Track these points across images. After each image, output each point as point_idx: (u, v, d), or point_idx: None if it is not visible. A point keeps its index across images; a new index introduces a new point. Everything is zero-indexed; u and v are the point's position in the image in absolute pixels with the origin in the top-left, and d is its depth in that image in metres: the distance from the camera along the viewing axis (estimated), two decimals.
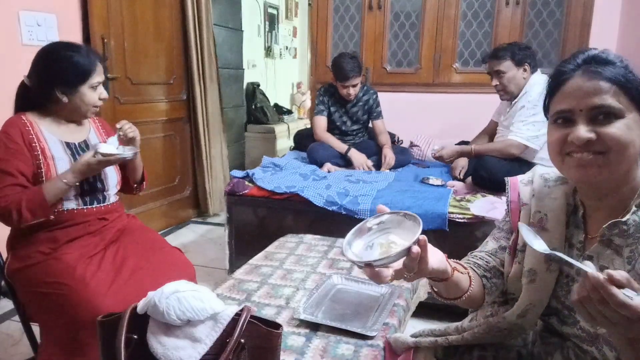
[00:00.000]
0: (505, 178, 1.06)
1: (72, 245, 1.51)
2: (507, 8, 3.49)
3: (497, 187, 2.34)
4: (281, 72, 5.80)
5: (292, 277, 1.58)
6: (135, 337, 0.95)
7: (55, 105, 1.53)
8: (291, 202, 2.38)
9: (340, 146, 2.96)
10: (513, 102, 2.52)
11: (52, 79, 1.49)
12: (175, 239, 3.31)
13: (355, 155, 2.90)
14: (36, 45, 2.38)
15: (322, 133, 3.02)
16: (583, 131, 0.81)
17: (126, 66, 3.03)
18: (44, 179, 1.47)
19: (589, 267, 0.67)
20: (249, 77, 4.85)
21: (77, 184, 1.50)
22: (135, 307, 0.97)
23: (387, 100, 3.21)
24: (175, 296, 0.94)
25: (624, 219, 0.80)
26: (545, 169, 1.02)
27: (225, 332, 0.94)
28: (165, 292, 0.94)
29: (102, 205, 1.62)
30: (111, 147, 1.52)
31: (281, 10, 5.72)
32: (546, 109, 0.91)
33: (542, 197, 0.96)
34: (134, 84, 3.11)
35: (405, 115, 3.67)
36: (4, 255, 1.58)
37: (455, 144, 3.04)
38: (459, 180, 2.60)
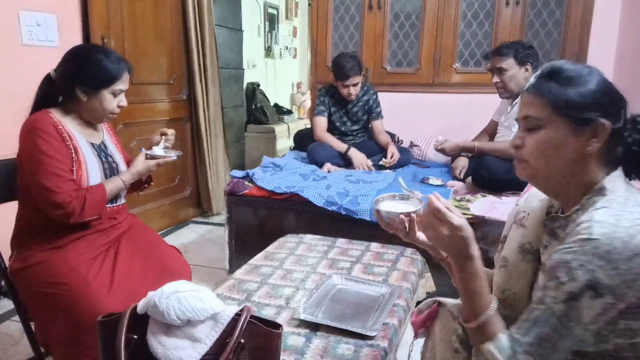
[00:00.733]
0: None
1: (77, 245, 1.52)
2: (507, 8, 3.49)
3: (497, 187, 2.34)
4: (281, 72, 5.80)
5: (292, 277, 1.58)
6: (135, 337, 0.95)
7: (75, 104, 1.54)
8: (291, 202, 2.38)
9: (340, 146, 2.96)
10: (514, 102, 2.52)
11: (77, 76, 1.50)
12: (176, 239, 3.31)
13: (355, 155, 2.90)
14: (36, 45, 2.40)
15: (322, 133, 3.03)
16: (514, 137, 0.95)
17: None
18: (75, 177, 1.48)
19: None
20: (249, 77, 4.85)
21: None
22: (135, 307, 0.97)
23: (387, 100, 3.21)
24: (175, 296, 0.94)
25: (563, 215, 0.90)
26: None
27: (225, 332, 0.94)
28: (165, 292, 0.95)
29: (114, 205, 1.64)
30: (161, 150, 1.71)
31: (281, 10, 5.72)
32: None
33: (532, 198, 1.05)
34: (134, 84, 3.09)
35: (405, 115, 3.67)
36: (5, 255, 1.58)
37: None
38: (459, 180, 2.61)
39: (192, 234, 3.44)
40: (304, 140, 3.27)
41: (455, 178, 2.67)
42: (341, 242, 1.91)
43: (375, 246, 1.87)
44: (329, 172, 2.75)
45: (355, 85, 2.91)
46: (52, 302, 1.41)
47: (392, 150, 2.93)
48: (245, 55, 4.65)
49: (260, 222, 2.47)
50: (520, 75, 2.42)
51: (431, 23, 3.65)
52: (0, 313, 2.26)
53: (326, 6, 3.83)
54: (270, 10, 5.38)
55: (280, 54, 5.74)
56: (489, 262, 1.27)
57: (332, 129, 3.09)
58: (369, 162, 2.88)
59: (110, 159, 1.64)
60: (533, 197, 1.05)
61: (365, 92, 3.07)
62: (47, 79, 1.56)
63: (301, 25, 6.15)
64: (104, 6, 2.80)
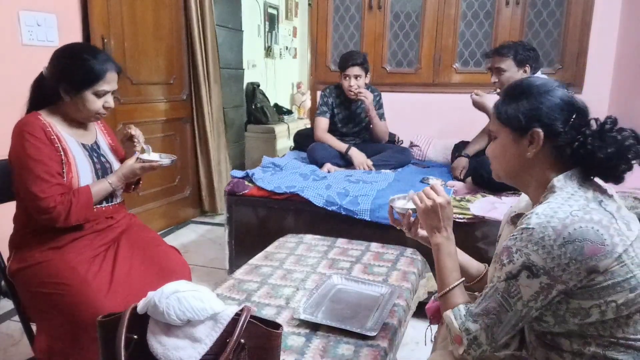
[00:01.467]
0: None
1: (76, 244, 1.52)
2: (507, 8, 3.49)
3: (497, 187, 2.34)
4: (281, 72, 5.80)
5: (292, 277, 1.58)
6: (135, 337, 0.95)
7: (62, 104, 1.53)
8: (291, 202, 2.38)
9: (340, 145, 2.95)
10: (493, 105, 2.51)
11: (60, 76, 1.49)
12: (175, 239, 3.31)
13: (356, 154, 2.90)
14: (36, 45, 2.40)
15: (322, 134, 3.02)
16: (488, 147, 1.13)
17: (126, 66, 3.02)
18: (65, 179, 1.48)
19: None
20: (249, 77, 4.85)
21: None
22: (135, 307, 0.97)
23: (387, 100, 3.21)
24: (175, 296, 0.94)
25: (526, 212, 0.98)
26: None
27: (225, 332, 0.94)
28: (165, 292, 0.94)
29: (110, 204, 1.63)
30: (153, 155, 1.64)
31: (281, 10, 5.72)
32: None
33: (522, 199, 1.17)
34: (134, 84, 3.11)
35: (405, 115, 3.67)
36: (5, 255, 1.58)
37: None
38: (459, 180, 2.60)
39: (192, 234, 3.44)
40: (304, 140, 3.27)
41: (455, 178, 2.67)
42: (341, 242, 1.91)
43: (375, 246, 1.87)
44: (329, 172, 2.75)
45: (356, 77, 2.90)
46: (52, 302, 1.41)
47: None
48: (245, 55, 4.65)
49: (260, 222, 2.47)
50: (519, 77, 2.41)
51: (431, 23, 3.65)
52: (0, 313, 2.26)
53: (326, 6, 3.83)
54: (270, 10, 5.38)
55: (280, 54, 5.74)
56: (489, 263, 1.28)
57: (333, 129, 3.09)
58: (369, 162, 2.88)
59: (103, 159, 1.62)
60: (522, 199, 1.17)
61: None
62: (40, 78, 1.55)
63: (301, 25, 6.15)
64: (104, 6, 2.80)
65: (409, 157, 3.12)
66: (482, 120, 2.91)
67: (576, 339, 0.95)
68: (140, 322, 0.96)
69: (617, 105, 3.31)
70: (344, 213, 2.26)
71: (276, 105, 5.34)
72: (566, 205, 0.91)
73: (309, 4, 4.02)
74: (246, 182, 2.49)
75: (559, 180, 0.97)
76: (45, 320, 1.46)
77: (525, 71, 2.42)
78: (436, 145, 3.36)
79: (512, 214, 1.15)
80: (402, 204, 1.26)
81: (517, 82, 1.06)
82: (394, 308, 1.36)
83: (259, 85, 5.02)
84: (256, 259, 1.73)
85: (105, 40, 2.80)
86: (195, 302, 0.94)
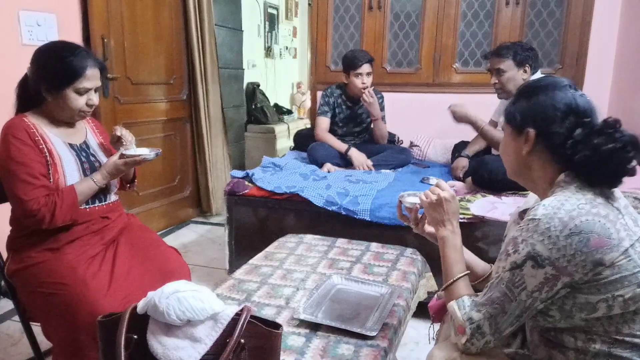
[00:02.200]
0: None
1: (73, 245, 1.51)
2: (507, 8, 3.48)
3: (497, 187, 2.34)
4: (281, 72, 5.80)
5: (292, 277, 1.58)
6: (135, 337, 0.95)
7: (46, 104, 1.52)
8: (291, 202, 2.38)
9: (340, 145, 2.95)
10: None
11: (39, 76, 1.47)
12: (175, 239, 3.31)
13: (356, 155, 2.90)
14: (36, 46, 2.37)
15: (323, 133, 3.02)
16: None
17: (126, 66, 3.02)
18: (51, 180, 1.47)
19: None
20: (249, 77, 4.85)
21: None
22: (135, 307, 0.97)
23: (387, 100, 3.20)
24: (175, 296, 0.94)
25: (532, 208, 0.98)
26: None
27: (225, 332, 0.94)
28: (165, 292, 0.94)
29: (104, 204, 1.62)
30: (139, 149, 1.62)
31: (281, 10, 5.72)
32: None
33: (530, 199, 1.19)
34: (134, 84, 3.10)
35: (405, 115, 3.67)
36: (4, 256, 1.58)
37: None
38: (459, 180, 2.60)
39: (192, 234, 3.44)
40: (304, 140, 3.27)
41: (455, 178, 2.67)
42: (341, 242, 1.91)
43: (375, 246, 1.87)
44: (329, 172, 2.75)
45: (368, 75, 2.90)
46: (51, 302, 1.41)
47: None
48: (245, 55, 4.65)
49: (260, 222, 2.47)
50: (519, 77, 2.41)
51: (431, 23, 3.64)
52: (0, 313, 2.26)
53: (326, 6, 3.83)
54: (270, 10, 5.38)
55: (280, 54, 5.74)
56: (489, 263, 1.28)
57: (334, 129, 3.09)
58: (369, 162, 2.88)
59: (92, 159, 1.60)
60: (530, 198, 1.19)
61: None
62: (24, 79, 1.54)
63: (301, 25, 6.15)
64: (104, 6, 2.79)
65: (409, 157, 3.12)
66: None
67: (581, 335, 0.95)
68: (140, 322, 0.96)
69: (617, 105, 3.31)
70: (344, 213, 2.26)
71: (276, 105, 5.34)
72: (573, 199, 0.92)
73: (309, 4, 4.02)
74: (246, 182, 2.49)
75: (566, 176, 0.98)
76: (44, 320, 1.46)
77: (525, 71, 2.41)
78: (436, 145, 3.36)
79: (520, 211, 1.17)
80: (411, 199, 1.30)
81: (530, 81, 1.10)
82: (394, 308, 1.36)
83: (259, 85, 5.02)
84: (256, 259, 1.73)
85: (105, 40, 2.80)
86: (195, 302, 0.94)
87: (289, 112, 5.45)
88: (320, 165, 2.83)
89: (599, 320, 0.93)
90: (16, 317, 1.96)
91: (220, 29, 3.92)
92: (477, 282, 1.26)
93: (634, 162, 0.94)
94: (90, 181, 1.52)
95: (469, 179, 2.52)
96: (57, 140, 1.53)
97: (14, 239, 1.54)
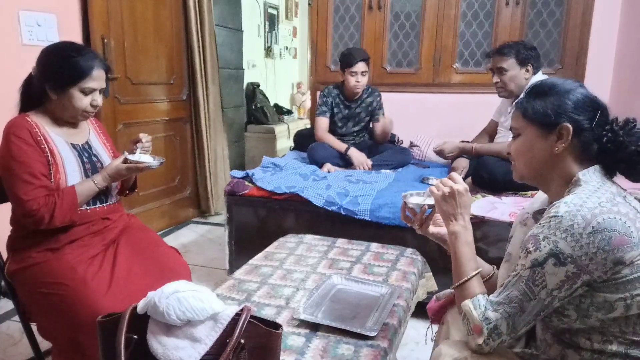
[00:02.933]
0: None
1: (74, 245, 1.51)
2: (507, 8, 3.48)
3: (497, 187, 2.34)
4: (281, 72, 5.80)
5: (292, 277, 1.58)
6: (135, 337, 0.94)
7: (49, 103, 1.52)
8: (291, 202, 2.38)
9: (340, 145, 2.96)
10: (514, 103, 2.51)
11: (45, 74, 1.48)
12: (175, 239, 3.31)
13: (355, 154, 2.90)
14: (36, 45, 2.39)
15: (323, 134, 3.03)
16: (507, 145, 1.14)
17: (126, 66, 3.02)
18: (52, 180, 1.47)
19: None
20: (249, 77, 4.85)
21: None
22: (135, 307, 0.97)
23: (387, 100, 3.21)
24: (175, 296, 0.94)
25: (553, 205, 0.97)
26: None
27: (225, 332, 0.94)
28: (165, 292, 0.94)
29: (104, 205, 1.62)
30: (140, 155, 1.60)
31: (281, 10, 5.72)
32: None
33: (535, 201, 1.17)
34: (134, 84, 3.10)
35: (405, 115, 3.67)
36: (4, 256, 1.58)
37: None
38: None
39: (192, 234, 3.44)
40: (304, 141, 3.27)
41: None
42: (341, 242, 1.91)
43: (375, 246, 1.87)
44: (329, 172, 2.75)
45: (363, 74, 2.91)
46: (51, 302, 1.41)
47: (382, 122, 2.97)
48: (245, 55, 4.65)
49: (260, 222, 2.47)
50: (521, 76, 2.41)
51: (431, 23, 3.65)
52: (0, 313, 2.26)
53: (326, 6, 3.83)
54: (270, 10, 5.38)
55: (280, 54, 5.74)
56: (489, 263, 1.28)
57: (332, 129, 3.09)
58: (369, 162, 2.88)
59: (94, 159, 1.60)
60: (536, 200, 1.17)
61: (369, 93, 3.08)
62: (28, 79, 1.54)
63: (301, 25, 6.15)
64: (104, 6, 2.80)
65: (409, 157, 3.12)
66: (482, 120, 2.91)
67: (597, 336, 0.94)
68: (140, 322, 0.96)
69: (617, 105, 3.30)
70: (344, 213, 2.26)
71: (276, 105, 5.34)
72: (594, 197, 0.91)
73: (309, 4, 4.02)
74: (246, 182, 2.49)
75: (584, 174, 0.98)
76: (44, 320, 1.46)
77: (527, 70, 2.41)
78: (439, 140, 3.35)
79: (526, 214, 1.15)
80: (416, 199, 1.26)
81: (540, 81, 1.08)
82: (394, 308, 1.36)
83: (259, 85, 5.02)
84: (256, 259, 1.73)
85: (105, 40, 2.80)
86: (195, 302, 0.94)
87: (289, 112, 5.46)
88: (320, 166, 2.83)
89: (616, 320, 0.92)
90: (16, 317, 1.96)
91: (220, 29, 3.92)
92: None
93: None
94: (90, 182, 1.52)
95: (469, 179, 2.52)
96: (59, 140, 1.53)
97: (14, 239, 1.54)
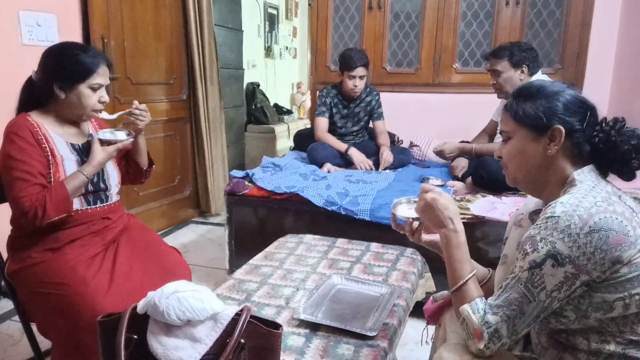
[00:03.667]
0: None
1: (74, 245, 1.51)
2: (507, 8, 3.48)
3: (497, 187, 2.34)
4: (281, 72, 5.80)
5: (292, 277, 1.58)
6: (135, 337, 0.94)
7: (55, 103, 1.53)
8: (291, 202, 2.38)
9: (340, 145, 2.96)
10: (503, 106, 2.52)
11: (53, 73, 1.49)
12: (175, 239, 3.31)
13: (355, 154, 2.90)
14: (36, 45, 2.40)
15: (323, 134, 3.03)
16: (497, 149, 1.13)
17: (126, 66, 3.02)
18: (52, 179, 1.47)
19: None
20: (249, 77, 4.85)
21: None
22: (135, 307, 0.97)
23: (387, 100, 3.21)
24: (175, 296, 0.94)
25: (548, 206, 0.97)
26: None
27: (225, 332, 0.94)
28: (165, 292, 0.94)
29: (105, 204, 1.62)
30: (111, 134, 1.59)
31: (281, 10, 5.72)
32: None
33: (529, 201, 1.17)
34: (134, 84, 3.10)
35: (405, 115, 3.67)
36: (4, 256, 1.58)
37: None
38: (459, 180, 2.60)
39: (192, 234, 3.44)
40: (304, 140, 3.27)
41: (455, 178, 2.67)
42: (341, 242, 1.91)
43: (375, 246, 1.87)
44: (329, 172, 2.75)
45: (362, 77, 2.91)
46: (51, 302, 1.41)
47: (382, 151, 2.93)
48: (245, 55, 4.65)
49: (260, 222, 2.47)
50: (516, 78, 2.42)
51: (431, 23, 3.65)
52: (0, 313, 2.26)
53: (326, 6, 3.83)
54: (270, 10, 5.38)
55: (280, 54, 5.74)
56: (489, 263, 1.28)
57: (332, 129, 3.09)
58: (369, 162, 2.89)
59: None
60: (531, 200, 1.17)
61: (368, 93, 3.08)
62: (29, 81, 1.55)
63: (301, 25, 6.15)
64: (104, 6, 2.80)
65: (409, 157, 3.12)
66: (482, 120, 2.91)
67: (594, 336, 0.94)
68: (140, 322, 0.96)
69: (617, 105, 3.31)
70: (344, 213, 2.26)
71: (276, 105, 5.35)
72: (590, 196, 0.91)
73: (309, 4, 4.02)
74: (246, 182, 2.49)
75: (579, 174, 0.98)
76: (45, 320, 1.46)
77: (522, 72, 2.41)
78: (439, 141, 3.36)
79: (520, 215, 1.15)
80: (404, 208, 1.25)
81: (528, 83, 1.08)
82: (394, 308, 1.36)
83: (259, 85, 5.02)
84: (256, 259, 1.73)
85: (105, 40, 2.80)
86: (195, 302, 0.94)
87: (289, 112, 5.46)
88: (320, 166, 2.84)
89: (614, 320, 0.92)
90: (16, 317, 1.96)
91: (220, 29, 3.92)
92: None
93: None
94: (78, 174, 1.50)
95: (469, 179, 2.53)
96: (59, 139, 1.53)
97: (14, 239, 1.54)
